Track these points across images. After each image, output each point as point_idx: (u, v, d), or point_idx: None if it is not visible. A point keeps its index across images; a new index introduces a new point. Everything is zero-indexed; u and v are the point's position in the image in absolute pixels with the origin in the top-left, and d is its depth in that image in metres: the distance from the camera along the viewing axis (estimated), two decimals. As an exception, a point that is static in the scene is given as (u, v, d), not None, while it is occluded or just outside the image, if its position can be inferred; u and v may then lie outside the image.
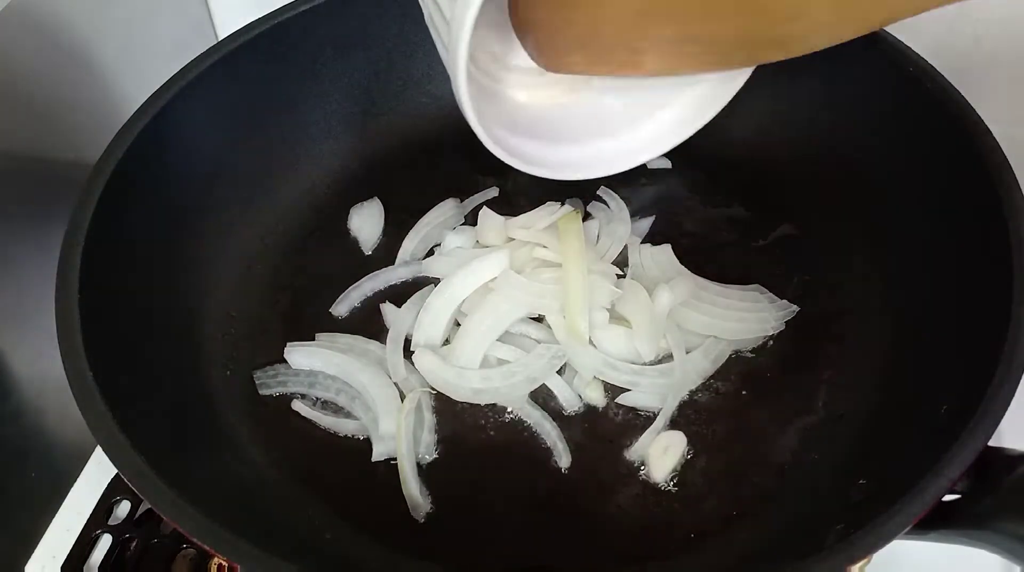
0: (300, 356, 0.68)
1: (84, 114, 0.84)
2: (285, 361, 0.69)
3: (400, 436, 0.63)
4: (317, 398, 0.68)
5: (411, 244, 0.77)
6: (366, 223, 0.78)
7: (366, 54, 0.82)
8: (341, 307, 0.73)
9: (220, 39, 0.75)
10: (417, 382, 0.67)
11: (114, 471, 0.60)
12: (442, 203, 0.79)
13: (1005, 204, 0.57)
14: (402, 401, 0.66)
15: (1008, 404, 0.49)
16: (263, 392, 0.68)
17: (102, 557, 0.67)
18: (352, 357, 0.68)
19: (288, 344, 0.69)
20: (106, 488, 0.70)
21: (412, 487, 0.62)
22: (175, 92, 0.70)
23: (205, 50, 0.73)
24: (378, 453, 0.64)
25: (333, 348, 0.69)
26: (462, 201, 0.80)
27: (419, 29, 0.83)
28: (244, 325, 0.71)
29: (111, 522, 0.69)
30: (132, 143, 0.66)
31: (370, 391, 0.66)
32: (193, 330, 0.69)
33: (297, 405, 0.67)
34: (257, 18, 0.76)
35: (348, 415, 0.67)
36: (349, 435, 0.66)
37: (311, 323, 0.72)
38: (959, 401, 0.52)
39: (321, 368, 0.68)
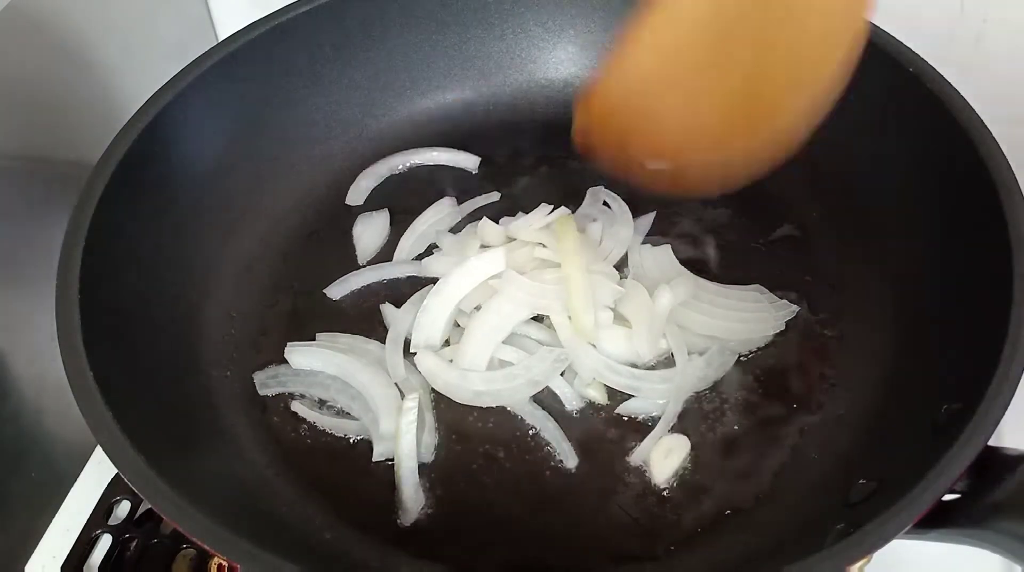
0: (300, 356, 0.68)
1: (84, 114, 0.84)
2: (285, 361, 0.69)
3: (399, 438, 0.63)
4: (317, 399, 0.68)
5: (408, 242, 0.77)
6: (367, 232, 0.78)
7: (366, 54, 0.82)
8: (336, 290, 0.73)
9: (220, 40, 0.75)
10: (417, 383, 0.67)
11: (114, 471, 0.60)
12: (439, 202, 0.79)
13: (1005, 204, 0.57)
14: (399, 398, 0.65)
15: (1008, 404, 0.49)
16: (262, 392, 0.68)
17: (102, 557, 0.67)
18: (352, 357, 0.68)
19: (288, 344, 0.69)
20: (106, 488, 0.70)
21: (408, 491, 0.62)
22: (176, 93, 0.70)
23: (205, 51, 0.73)
24: (379, 453, 0.64)
25: (333, 348, 0.69)
26: (460, 202, 0.80)
27: (419, 29, 0.83)
28: (244, 325, 0.71)
29: (111, 522, 0.69)
30: (132, 143, 0.66)
31: (370, 391, 0.66)
32: (193, 330, 0.69)
33: (297, 406, 0.67)
34: (257, 19, 0.76)
35: (348, 416, 0.67)
36: (350, 436, 0.66)
37: (311, 323, 0.72)
38: (959, 401, 0.52)
39: (321, 368, 0.68)
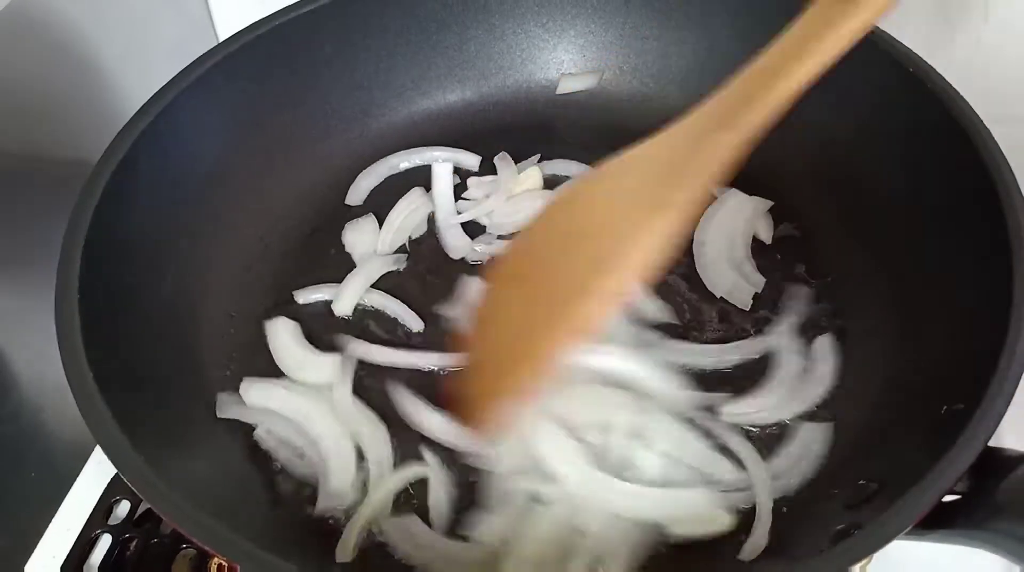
0: (257, 394, 0.66)
1: (85, 114, 0.84)
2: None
3: (372, 506, 0.60)
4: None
5: (388, 235, 0.77)
6: (359, 240, 0.77)
7: (366, 54, 0.82)
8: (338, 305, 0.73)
9: (221, 40, 0.75)
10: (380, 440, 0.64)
11: (114, 471, 0.60)
12: (408, 194, 0.79)
13: (1005, 204, 0.57)
14: (355, 454, 0.63)
15: (1008, 404, 0.49)
16: (220, 415, 0.65)
17: (102, 557, 0.67)
18: (309, 401, 0.65)
19: (245, 379, 0.67)
20: (106, 488, 0.70)
21: (350, 542, 0.59)
22: (176, 93, 0.70)
23: (206, 51, 0.73)
24: (321, 509, 0.61)
25: (292, 388, 0.66)
26: (428, 190, 0.80)
27: (419, 29, 0.83)
28: (244, 325, 0.71)
29: (111, 522, 0.69)
30: (133, 143, 0.66)
31: (325, 443, 0.63)
32: (193, 330, 0.69)
33: (258, 435, 0.65)
34: (258, 19, 0.76)
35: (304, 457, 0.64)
36: (301, 478, 0.63)
37: (311, 323, 0.72)
38: (959, 401, 0.52)
39: (277, 409, 0.65)
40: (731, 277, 0.72)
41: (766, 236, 0.76)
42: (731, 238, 0.74)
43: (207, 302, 0.71)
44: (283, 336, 0.70)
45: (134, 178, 0.66)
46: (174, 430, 0.60)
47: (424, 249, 0.77)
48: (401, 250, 0.77)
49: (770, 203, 0.76)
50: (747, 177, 0.78)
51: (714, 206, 0.76)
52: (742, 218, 0.75)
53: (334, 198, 0.81)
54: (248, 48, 0.74)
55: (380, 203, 0.80)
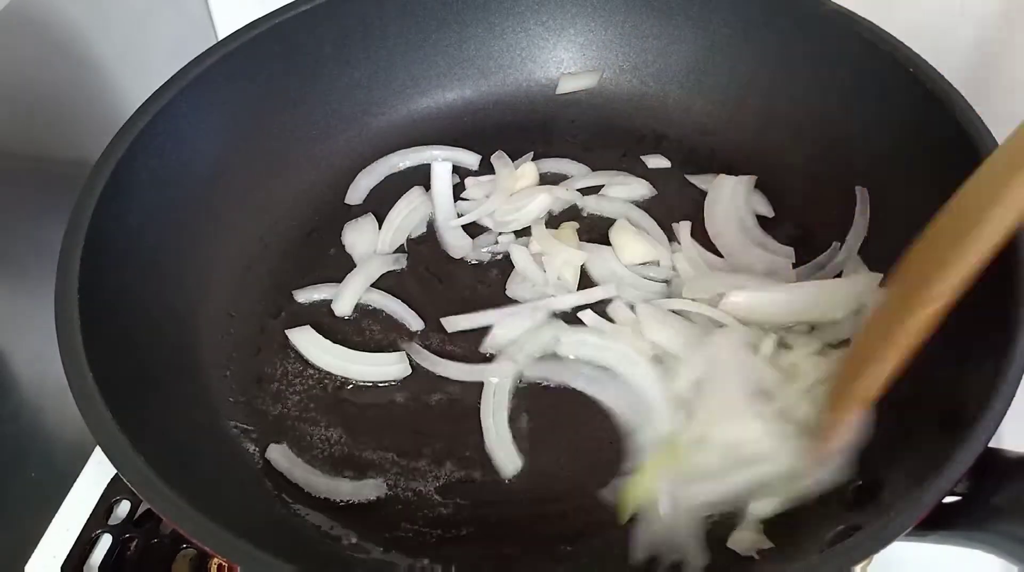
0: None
1: (84, 114, 0.84)
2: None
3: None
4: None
5: (388, 235, 0.77)
6: (359, 240, 0.77)
7: (366, 53, 0.82)
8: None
9: (220, 39, 0.75)
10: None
11: (114, 471, 0.60)
12: (408, 193, 0.79)
13: (1005, 204, 0.57)
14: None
15: (1008, 405, 0.49)
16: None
17: (102, 557, 0.67)
18: None
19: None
20: (106, 488, 0.70)
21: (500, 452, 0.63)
22: (175, 92, 0.70)
23: (205, 50, 0.73)
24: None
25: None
26: (428, 189, 0.80)
27: (419, 28, 0.83)
28: (244, 325, 0.71)
29: (111, 522, 0.69)
30: (132, 143, 0.66)
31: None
32: (192, 330, 0.69)
33: (272, 453, 0.64)
34: (257, 18, 0.76)
35: (322, 473, 0.64)
36: (318, 494, 0.63)
37: (311, 323, 0.72)
38: (959, 401, 0.52)
39: None
40: (762, 255, 0.73)
41: (767, 210, 0.77)
42: (740, 220, 0.75)
43: (207, 302, 0.71)
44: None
45: (133, 177, 0.66)
46: (174, 430, 0.60)
47: (424, 249, 0.77)
48: (401, 250, 0.77)
49: (755, 178, 0.77)
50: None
51: (710, 198, 0.77)
52: (740, 199, 0.76)
53: (333, 198, 0.81)
54: (247, 47, 0.74)
55: (380, 202, 0.80)
